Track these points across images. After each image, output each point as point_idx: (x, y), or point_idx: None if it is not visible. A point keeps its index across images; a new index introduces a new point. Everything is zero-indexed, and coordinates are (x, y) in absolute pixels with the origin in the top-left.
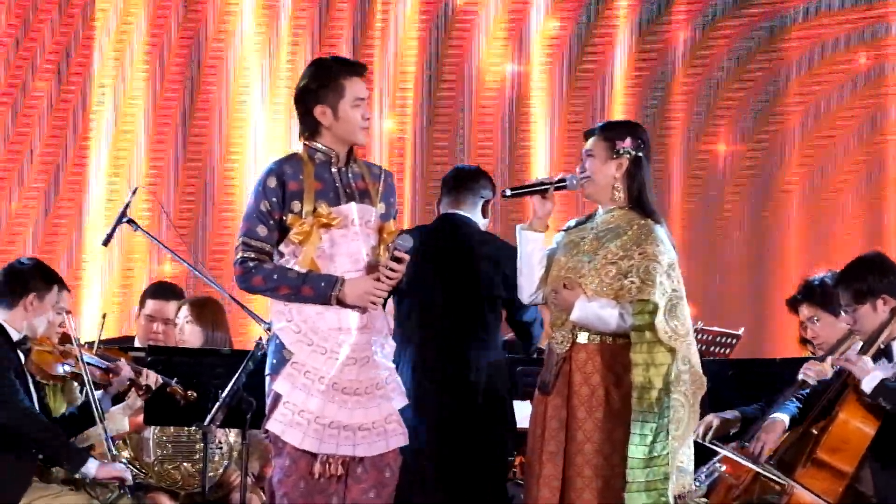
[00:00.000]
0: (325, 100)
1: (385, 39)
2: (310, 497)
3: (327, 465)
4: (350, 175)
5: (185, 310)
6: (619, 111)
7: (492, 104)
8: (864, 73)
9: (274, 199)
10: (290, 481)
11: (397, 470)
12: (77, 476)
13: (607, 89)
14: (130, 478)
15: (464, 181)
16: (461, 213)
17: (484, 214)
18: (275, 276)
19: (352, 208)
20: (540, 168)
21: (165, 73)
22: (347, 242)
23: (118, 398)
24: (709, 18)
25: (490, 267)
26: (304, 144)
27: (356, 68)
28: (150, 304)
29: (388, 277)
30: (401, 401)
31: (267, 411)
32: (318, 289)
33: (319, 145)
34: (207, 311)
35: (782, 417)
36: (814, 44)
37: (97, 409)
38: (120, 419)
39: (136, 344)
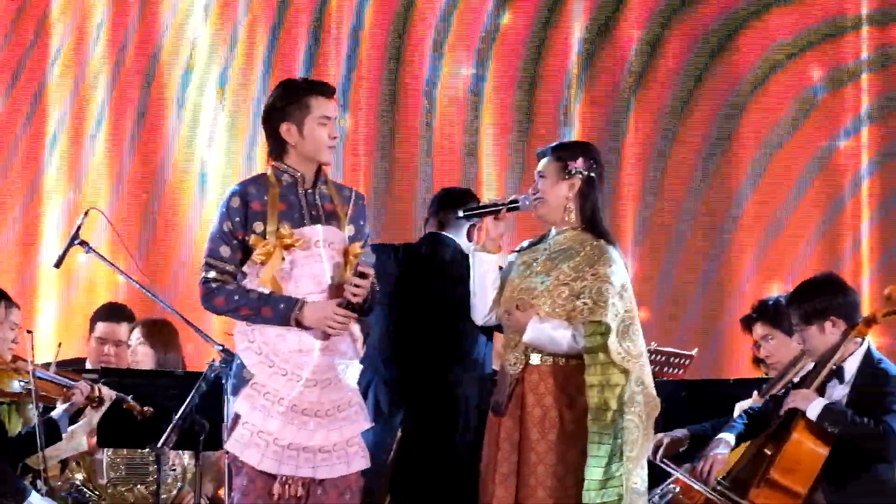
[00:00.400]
0: (290, 117)
1: (340, 43)
2: None
3: (287, 487)
4: (317, 197)
5: (137, 331)
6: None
7: (447, 104)
8: (816, 85)
9: (237, 220)
10: (247, 500)
11: (358, 492)
12: None
13: (561, 96)
14: None
15: (451, 203)
16: (445, 234)
17: (469, 238)
18: (236, 297)
19: (316, 230)
20: (490, 171)
21: (119, 86)
22: (311, 264)
23: (75, 418)
24: (662, 22)
25: (467, 290)
26: (272, 166)
27: (323, 88)
28: (101, 327)
29: (353, 294)
30: (364, 423)
31: (227, 431)
32: (278, 310)
33: (286, 166)
34: (160, 333)
35: (728, 437)
36: (766, 58)
37: (40, 430)
38: (80, 437)
39: (88, 367)
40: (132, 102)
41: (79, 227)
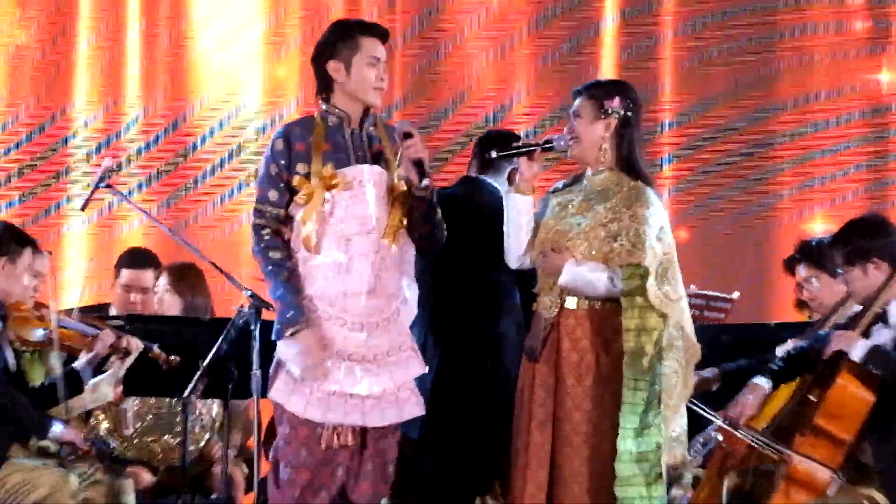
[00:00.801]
0: (339, 55)
1: None
2: (313, 465)
3: (337, 435)
4: (364, 137)
5: (163, 278)
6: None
7: (474, 25)
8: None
9: (282, 162)
10: (290, 449)
11: (395, 444)
12: (49, 442)
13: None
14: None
15: (491, 145)
16: (485, 178)
17: (510, 181)
18: (269, 268)
19: (361, 170)
20: (522, 97)
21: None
22: (355, 205)
23: (101, 367)
24: None
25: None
26: (319, 107)
27: (376, 29)
28: (126, 274)
29: (413, 151)
30: (417, 368)
31: (269, 378)
32: (283, 311)
33: (333, 107)
34: (186, 278)
35: (762, 381)
36: None
37: (62, 382)
38: (104, 388)
39: (113, 313)
40: (162, 37)
41: (104, 171)
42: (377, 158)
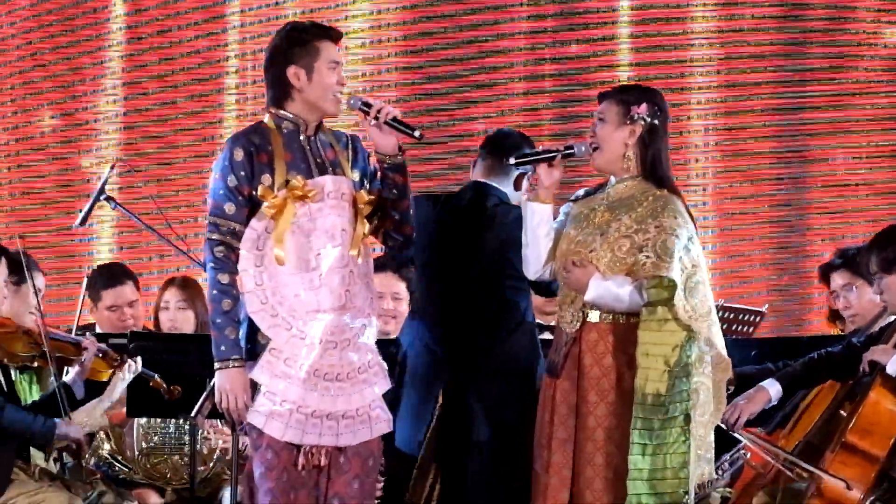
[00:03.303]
0: (298, 60)
1: None
2: (292, 489)
3: (310, 456)
4: (319, 144)
5: (176, 293)
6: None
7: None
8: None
9: (242, 174)
10: (274, 475)
11: (380, 456)
12: (56, 440)
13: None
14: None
15: (502, 149)
16: (490, 182)
17: (517, 187)
18: (213, 291)
19: (325, 180)
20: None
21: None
22: (324, 217)
23: (95, 389)
24: None
25: (510, 244)
26: (270, 113)
27: (330, 32)
28: (108, 295)
29: (385, 113)
30: (385, 384)
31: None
32: (217, 343)
33: (287, 113)
34: (200, 292)
35: (769, 385)
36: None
37: (60, 395)
38: (97, 414)
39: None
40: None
41: (104, 182)
42: (334, 166)
